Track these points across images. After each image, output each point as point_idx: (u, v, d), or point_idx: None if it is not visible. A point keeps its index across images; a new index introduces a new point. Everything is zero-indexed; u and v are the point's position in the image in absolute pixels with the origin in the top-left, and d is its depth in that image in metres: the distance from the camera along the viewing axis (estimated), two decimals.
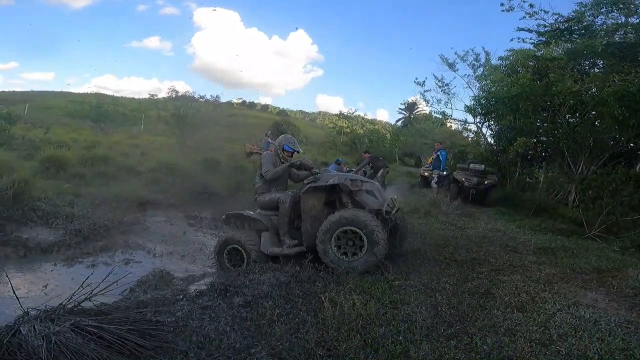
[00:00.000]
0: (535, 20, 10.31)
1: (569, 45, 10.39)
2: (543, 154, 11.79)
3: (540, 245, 5.41)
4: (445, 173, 12.64)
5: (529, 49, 11.35)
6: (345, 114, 31.30)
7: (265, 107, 60.72)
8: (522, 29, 10.37)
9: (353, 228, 3.61)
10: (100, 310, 2.37)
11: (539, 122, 11.53)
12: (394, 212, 3.85)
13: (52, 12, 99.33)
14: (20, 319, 2.12)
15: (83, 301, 2.30)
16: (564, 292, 3.49)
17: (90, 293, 2.32)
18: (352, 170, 10.52)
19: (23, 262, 4.02)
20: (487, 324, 2.69)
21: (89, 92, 38.18)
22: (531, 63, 11.56)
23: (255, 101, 61.25)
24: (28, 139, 8.67)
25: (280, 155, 4.17)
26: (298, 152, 4.26)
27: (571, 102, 9.88)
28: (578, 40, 9.85)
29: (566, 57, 10.03)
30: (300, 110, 63.62)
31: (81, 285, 2.34)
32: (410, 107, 40.24)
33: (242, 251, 4.07)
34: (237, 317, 2.69)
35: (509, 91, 10.02)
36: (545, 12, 10.12)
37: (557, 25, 9.97)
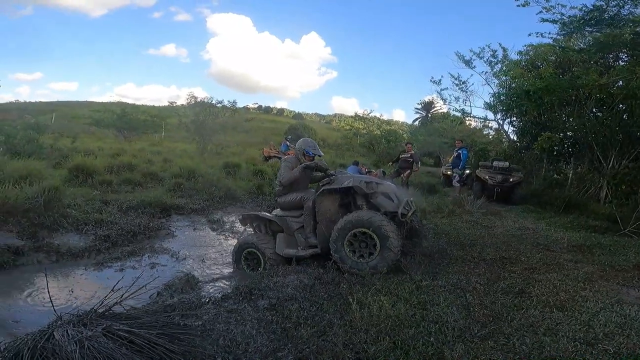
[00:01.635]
0: (553, 14, 9.98)
1: (591, 38, 10.00)
2: (570, 149, 11.36)
3: (574, 242, 5.21)
4: (467, 172, 12.39)
5: (549, 43, 11.01)
6: (361, 115, 31.10)
7: (281, 111, 61.29)
8: (547, 20, 10.03)
9: (362, 229, 3.57)
10: (130, 314, 2.39)
11: (564, 116, 11.14)
12: (410, 214, 3.78)
13: (72, 21, 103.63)
14: (54, 324, 2.15)
15: (114, 305, 2.34)
16: (605, 290, 3.34)
17: (121, 297, 2.35)
18: (371, 172, 10.40)
19: (55, 267, 4.15)
20: (525, 324, 2.59)
21: (111, 100, 39.57)
22: (552, 57, 11.21)
23: (271, 105, 62.00)
24: (56, 148, 8.98)
25: (302, 160, 4.15)
26: (320, 156, 4.24)
27: (598, 95, 9.48)
28: (603, 32, 9.46)
29: (593, 49, 9.65)
30: (315, 113, 63.90)
31: (112, 290, 2.38)
32: (427, 106, 39.74)
33: (258, 254, 4.11)
34: (262, 320, 2.68)
35: (533, 85, 9.70)
36: (563, 6, 9.77)
37: (581, 16, 9.60)
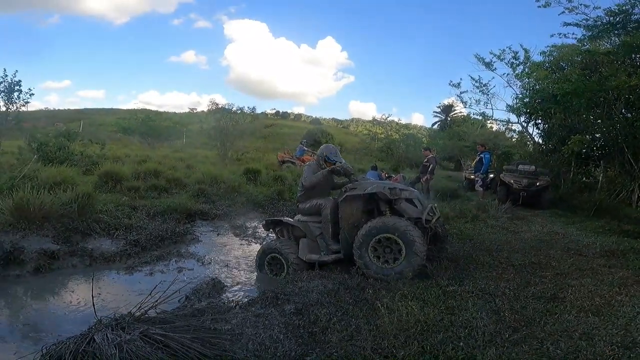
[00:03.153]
0: (576, 14, 9.71)
1: (617, 39, 9.66)
2: (600, 152, 10.96)
3: (606, 247, 5.04)
4: (491, 176, 12.10)
5: (573, 44, 10.72)
6: (379, 119, 30.98)
7: (298, 117, 61.65)
8: (569, 24, 9.78)
9: (387, 235, 3.57)
10: (164, 318, 2.46)
11: (592, 118, 10.79)
12: (434, 220, 3.77)
13: (97, 29, 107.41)
14: (94, 327, 2.23)
15: (149, 309, 2.42)
16: None
17: (156, 302, 2.43)
18: (391, 177, 10.34)
19: (88, 271, 4.31)
20: (559, 329, 2.54)
21: (135, 108, 40.87)
22: (577, 58, 10.89)
23: (289, 111, 62.51)
24: (86, 155, 9.31)
25: (323, 166, 4.19)
26: (340, 162, 4.25)
27: (627, 96, 9.14)
28: (631, 34, 9.13)
29: (622, 51, 9.33)
30: (333, 118, 63.99)
31: (149, 294, 2.46)
32: (447, 109, 39.17)
33: (282, 259, 4.14)
34: (289, 324, 2.70)
35: (560, 88, 9.43)
36: (586, 6, 9.49)
37: (606, 19, 9.30)
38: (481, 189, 9.77)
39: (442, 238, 4.15)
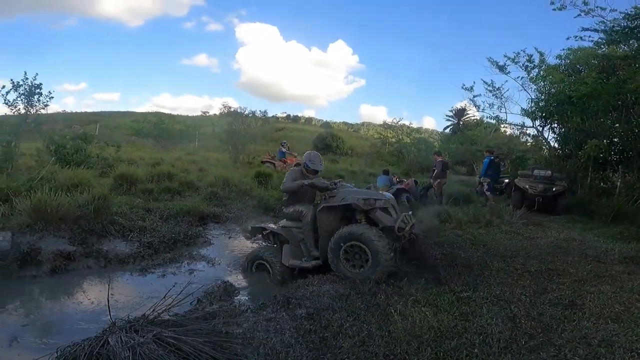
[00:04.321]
0: (592, 17, 9.52)
1: (636, 42, 9.43)
2: (618, 156, 10.66)
3: (626, 254, 4.90)
4: (506, 181, 11.93)
5: (590, 47, 10.51)
6: (390, 123, 30.76)
7: (309, 120, 61.89)
8: (587, 29, 9.62)
9: (356, 242, 3.74)
10: (177, 321, 2.48)
11: (609, 122, 10.52)
12: (407, 228, 3.88)
13: (112, 32, 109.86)
14: (108, 330, 2.26)
15: (162, 312, 2.44)
16: None
17: (169, 305, 2.45)
18: (402, 181, 10.29)
19: (103, 272, 4.39)
20: (577, 336, 2.50)
21: (149, 111, 41.48)
22: (595, 61, 10.66)
23: (299, 114, 62.83)
24: (102, 157, 9.48)
25: (304, 172, 4.31)
26: (319, 170, 4.35)
27: None
28: None
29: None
30: (343, 122, 64.01)
31: (163, 297, 2.48)
32: (459, 113, 38.73)
33: (267, 265, 4.34)
34: (300, 329, 2.70)
35: (577, 91, 9.23)
36: (602, 9, 9.29)
37: (624, 23, 9.09)
38: (488, 192, 9.78)
39: (418, 243, 4.33)
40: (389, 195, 4.30)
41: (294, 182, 4.19)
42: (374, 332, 2.56)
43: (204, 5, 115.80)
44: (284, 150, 14.59)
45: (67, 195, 5.01)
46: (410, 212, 4.18)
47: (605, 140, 10.21)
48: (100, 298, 3.66)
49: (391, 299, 3.17)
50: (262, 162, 14.15)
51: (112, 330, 2.24)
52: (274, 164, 13.69)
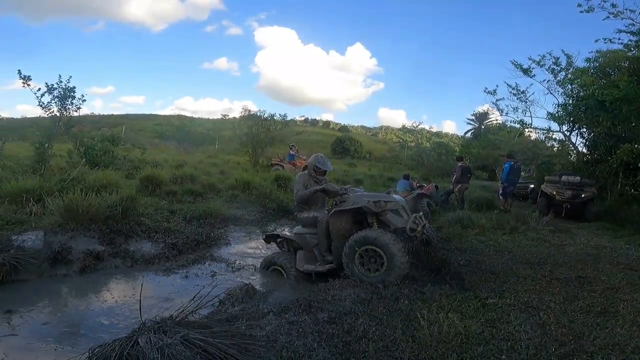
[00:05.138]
0: (622, 19, 9.20)
1: None
2: None
3: None
4: (531, 186, 11.60)
5: (619, 49, 10.13)
6: (409, 127, 30.45)
7: (327, 124, 61.95)
8: (622, 31, 9.30)
9: (371, 247, 3.75)
10: (203, 323, 2.51)
11: None
12: (419, 229, 3.86)
13: (138, 36, 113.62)
14: (139, 331, 2.30)
15: (190, 314, 2.48)
16: None
17: (197, 306, 2.49)
18: (423, 186, 10.15)
19: (129, 272, 4.51)
20: (610, 343, 2.43)
21: (172, 114, 42.46)
22: (625, 64, 10.26)
23: (317, 118, 63.02)
24: (129, 159, 9.75)
25: (313, 175, 4.36)
26: (329, 170, 4.44)
27: None
28: None
29: None
30: (361, 125, 63.82)
31: (192, 299, 2.53)
32: (481, 117, 37.99)
33: (282, 271, 4.38)
34: (323, 333, 2.69)
35: (610, 94, 8.90)
36: (632, 11, 8.97)
37: None
38: (501, 197, 9.67)
39: (432, 243, 4.36)
40: (399, 197, 4.34)
41: (306, 190, 4.26)
42: (398, 338, 2.53)
43: (224, 9, 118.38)
44: (292, 153, 14.67)
45: (97, 196, 5.16)
46: (420, 213, 4.18)
47: (637, 145, 9.80)
48: (127, 298, 3.75)
49: (414, 304, 3.14)
50: (271, 164, 14.27)
51: (141, 331, 2.28)
52: (282, 166, 13.81)
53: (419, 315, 2.74)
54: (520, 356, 2.26)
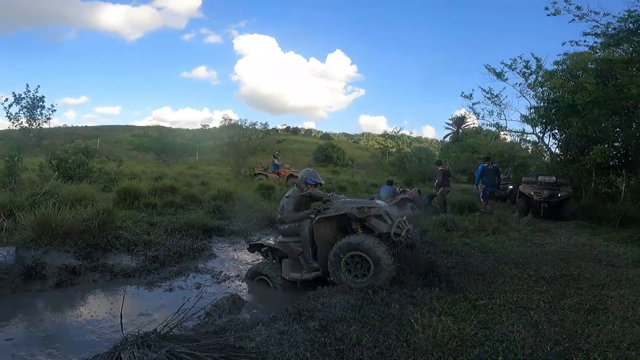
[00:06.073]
0: (586, 22, 9.65)
1: (629, 46, 9.55)
2: (623, 160, 10.66)
3: (638, 258, 4.89)
4: (510, 187, 11.92)
5: (585, 51, 10.63)
6: (390, 133, 30.89)
7: (309, 132, 62.25)
8: (588, 33, 9.73)
9: (357, 252, 3.73)
10: (189, 336, 2.42)
11: (610, 127, 10.58)
12: (403, 233, 3.90)
13: (112, 45, 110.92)
14: (121, 345, 2.20)
15: (175, 327, 2.37)
16: None
17: (182, 319, 2.38)
18: (405, 191, 10.26)
19: (109, 286, 4.31)
20: (604, 340, 2.46)
21: (150, 124, 41.35)
22: (592, 66, 10.77)
23: (299, 126, 63.20)
24: (104, 172, 9.43)
25: (303, 189, 4.36)
26: (321, 184, 4.44)
27: None
28: None
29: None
30: (343, 133, 64.43)
31: (177, 312, 2.42)
32: (459, 121, 39.02)
33: (268, 280, 4.36)
34: (315, 342, 2.63)
35: (581, 98, 9.26)
36: (596, 13, 9.43)
37: (617, 25, 9.21)
38: (482, 200, 9.86)
39: (416, 246, 4.43)
40: (382, 203, 4.38)
41: (299, 213, 4.26)
42: (392, 343, 2.49)
43: (203, 17, 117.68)
44: (277, 162, 14.63)
45: (71, 210, 4.96)
46: (404, 218, 4.20)
47: (607, 145, 10.24)
48: (106, 312, 3.58)
49: (406, 308, 3.12)
50: (254, 174, 14.18)
51: (124, 345, 2.17)
52: (266, 175, 13.73)
53: (412, 320, 2.72)
54: (517, 357, 2.26)
